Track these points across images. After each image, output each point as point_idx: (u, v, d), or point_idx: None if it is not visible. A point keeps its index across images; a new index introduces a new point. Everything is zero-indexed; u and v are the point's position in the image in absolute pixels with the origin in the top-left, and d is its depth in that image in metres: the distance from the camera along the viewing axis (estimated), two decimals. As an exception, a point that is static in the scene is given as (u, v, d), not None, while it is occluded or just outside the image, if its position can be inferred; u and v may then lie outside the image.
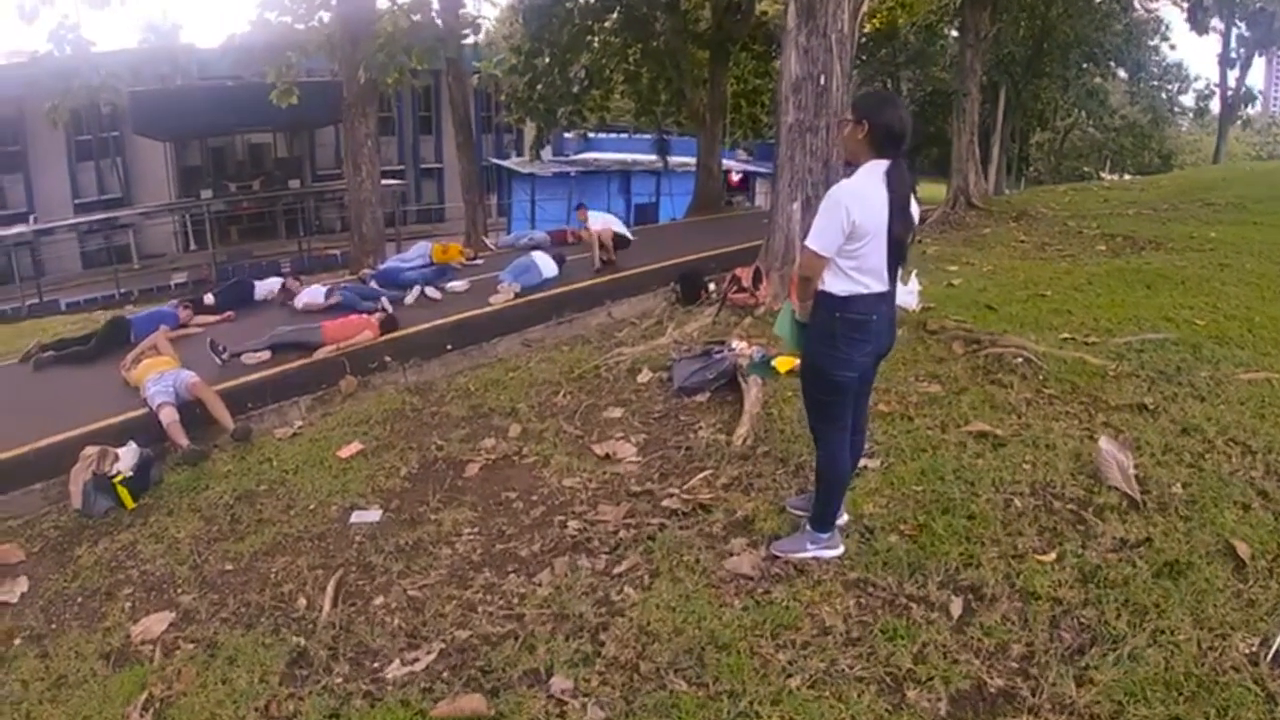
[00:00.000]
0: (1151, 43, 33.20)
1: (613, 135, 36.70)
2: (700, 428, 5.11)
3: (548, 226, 20.00)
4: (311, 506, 4.75)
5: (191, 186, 29.67)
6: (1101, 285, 7.74)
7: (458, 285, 10.49)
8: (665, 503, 4.02)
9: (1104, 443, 3.91)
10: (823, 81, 7.51)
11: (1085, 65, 30.32)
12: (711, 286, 8.39)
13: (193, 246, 29.95)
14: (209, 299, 10.04)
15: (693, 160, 25.05)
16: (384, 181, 25.56)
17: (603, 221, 11.48)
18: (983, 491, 3.77)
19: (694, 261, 10.69)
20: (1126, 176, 40.68)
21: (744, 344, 6.11)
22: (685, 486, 4.21)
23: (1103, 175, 43.47)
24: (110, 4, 13.39)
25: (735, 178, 33.45)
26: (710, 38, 22.12)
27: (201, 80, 24.33)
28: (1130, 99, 40.79)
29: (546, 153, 31.27)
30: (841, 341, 3.14)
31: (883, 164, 3.06)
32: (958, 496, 3.73)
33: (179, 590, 4.07)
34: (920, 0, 27.52)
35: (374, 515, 4.53)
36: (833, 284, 3.11)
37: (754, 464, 4.38)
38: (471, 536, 4.15)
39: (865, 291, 3.11)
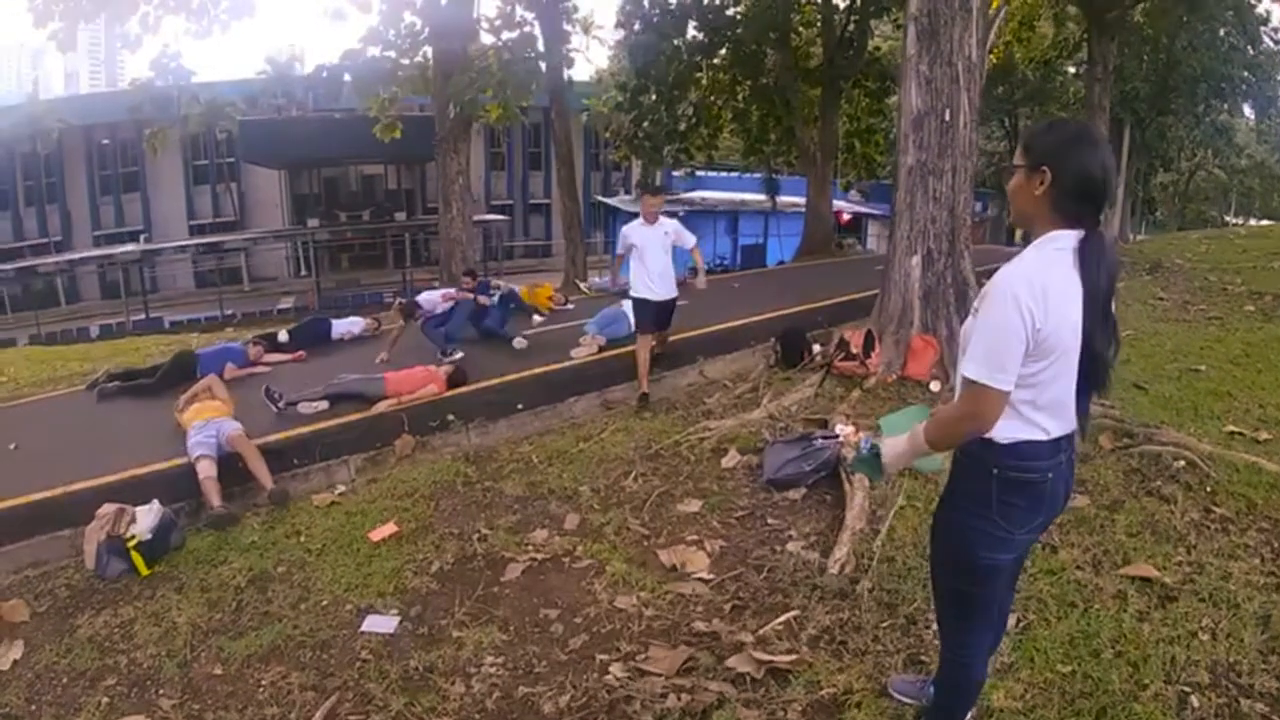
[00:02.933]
0: (1278, 77, 30.55)
1: (721, 174, 36.14)
2: (790, 537, 4.24)
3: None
4: (325, 602, 4.09)
5: (304, 214, 30.51)
6: (1261, 358, 7.04)
7: (525, 341, 9.47)
8: (731, 661, 3.11)
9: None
10: (948, 116, 6.61)
11: (1214, 101, 28.19)
12: (816, 348, 7.47)
13: (303, 272, 30.75)
14: (282, 336, 9.71)
15: (802, 200, 24.25)
16: (486, 217, 25.56)
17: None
18: (1150, 679, 2.83)
19: (798, 315, 9.74)
20: (1253, 221, 38.00)
21: (849, 429, 5.21)
22: (760, 632, 3.31)
23: (1229, 220, 40.68)
24: (212, 34, 13.53)
25: (845, 217, 32.41)
26: (821, 74, 21.45)
27: (313, 111, 24.88)
28: (1256, 137, 38.04)
29: (653, 191, 30.90)
30: (1000, 511, 2.05)
31: (1071, 235, 1.95)
32: (1118, 687, 2.78)
33: (160, 692, 3.54)
34: (1037, 36, 26.18)
35: (389, 624, 3.82)
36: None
37: (852, 607, 3.45)
38: (493, 668, 3.38)
39: (1041, 438, 2.02)
